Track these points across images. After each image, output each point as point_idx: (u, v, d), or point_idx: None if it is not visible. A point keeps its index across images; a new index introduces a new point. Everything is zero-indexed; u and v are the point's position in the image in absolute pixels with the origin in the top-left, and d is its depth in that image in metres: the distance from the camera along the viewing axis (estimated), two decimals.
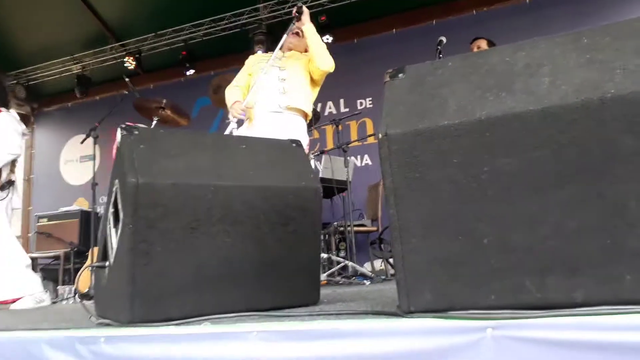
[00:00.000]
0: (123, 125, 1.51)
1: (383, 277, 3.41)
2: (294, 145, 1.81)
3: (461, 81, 1.12)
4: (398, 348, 0.98)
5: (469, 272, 0.98)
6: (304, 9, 2.97)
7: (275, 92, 2.88)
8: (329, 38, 5.48)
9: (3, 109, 3.54)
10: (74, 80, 6.54)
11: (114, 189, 1.54)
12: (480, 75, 1.09)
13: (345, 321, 1.10)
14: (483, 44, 3.75)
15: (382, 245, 3.93)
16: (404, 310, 1.05)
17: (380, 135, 1.06)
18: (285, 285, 1.61)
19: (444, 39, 3.45)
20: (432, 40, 3.53)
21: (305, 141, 2.85)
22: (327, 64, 2.92)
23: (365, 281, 3.19)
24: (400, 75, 1.17)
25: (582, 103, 0.97)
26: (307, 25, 2.93)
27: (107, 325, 1.42)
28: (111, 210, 1.56)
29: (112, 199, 1.55)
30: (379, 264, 4.36)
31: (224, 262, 1.52)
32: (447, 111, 1.05)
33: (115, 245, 1.49)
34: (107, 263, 1.58)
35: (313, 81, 3.03)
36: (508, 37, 4.29)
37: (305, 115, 2.98)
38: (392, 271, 4.24)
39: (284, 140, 1.85)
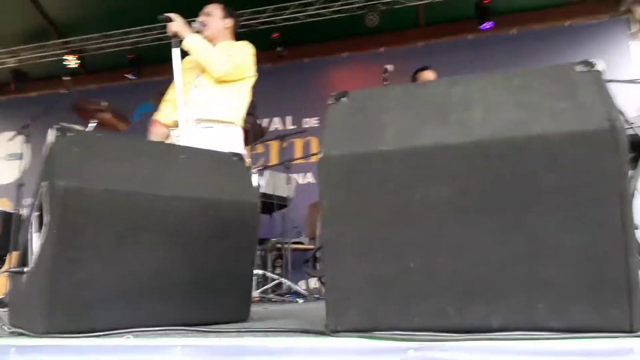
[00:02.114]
0: (57, 126, 1.45)
1: (317, 295, 3.42)
2: (234, 158, 1.80)
3: (400, 110, 1.16)
4: None
5: (395, 294, 1.01)
6: (171, 20, 2.57)
7: (190, 104, 2.61)
8: (281, 52, 5.54)
9: None
10: (9, 74, 6.19)
11: (40, 191, 1.46)
12: (418, 106, 1.14)
13: (272, 338, 1.09)
14: (431, 75, 3.90)
15: (316, 264, 3.95)
16: (331, 329, 1.06)
17: (320, 156, 1.08)
18: (215, 301, 1.58)
19: (390, 67, 3.57)
20: (379, 67, 3.64)
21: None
22: (218, 70, 2.55)
23: (298, 299, 3.19)
24: (343, 99, 1.20)
25: (510, 139, 1.03)
26: (186, 40, 2.54)
27: (21, 335, 1.33)
28: (35, 213, 1.48)
29: (37, 202, 1.47)
30: (313, 282, 4.37)
31: (154, 273, 1.47)
32: (385, 137, 1.09)
33: (36, 251, 1.41)
34: (25, 269, 1.48)
35: (227, 82, 2.65)
36: (451, 69, 4.52)
37: (229, 122, 2.65)
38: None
39: (225, 152, 1.84)
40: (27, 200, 4.87)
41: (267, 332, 1.22)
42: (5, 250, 4.67)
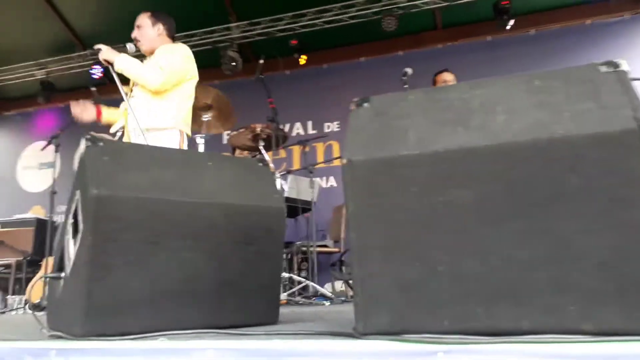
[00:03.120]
0: (88, 136, 1.50)
1: (343, 298, 3.44)
2: (260, 164, 1.84)
3: (421, 114, 1.18)
4: None
5: (423, 298, 1.02)
6: (100, 50, 2.67)
7: (130, 114, 2.67)
8: (302, 58, 5.59)
9: None
10: (38, 85, 6.38)
11: (74, 200, 1.52)
12: (439, 110, 1.16)
13: (301, 341, 1.11)
14: (450, 77, 3.89)
15: (342, 267, 3.96)
16: (360, 332, 1.08)
17: (343, 161, 1.11)
18: (244, 304, 1.61)
19: (409, 70, 3.57)
20: (398, 71, 3.65)
21: None
22: (152, 85, 2.62)
23: (325, 302, 3.21)
24: (365, 104, 1.23)
25: (532, 141, 1.04)
26: (115, 64, 2.64)
27: (60, 337, 1.39)
28: (70, 220, 1.54)
29: (72, 210, 1.53)
30: (339, 285, 4.38)
31: (184, 278, 1.52)
32: (407, 142, 1.10)
33: (72, 257, 1.47)
34: (62, 274, 1.54)
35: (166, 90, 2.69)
36: (470, 71, 4.50)
37: (167, 129, 2.68)
38: (351, 293, 4.28)
39: (251, 159, 1.87)
40: (60, 208, 5.03)
41: (296, 334, 1.24)
42: (41, 255, 4.83)
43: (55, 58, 6.33)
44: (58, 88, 6.45)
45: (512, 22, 5.18)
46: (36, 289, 4.57)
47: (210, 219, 1.58)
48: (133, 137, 2.69)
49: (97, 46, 2.69)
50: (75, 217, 1.49)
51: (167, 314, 1.47)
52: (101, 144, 1.51)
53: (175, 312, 1.49)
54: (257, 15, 5.75)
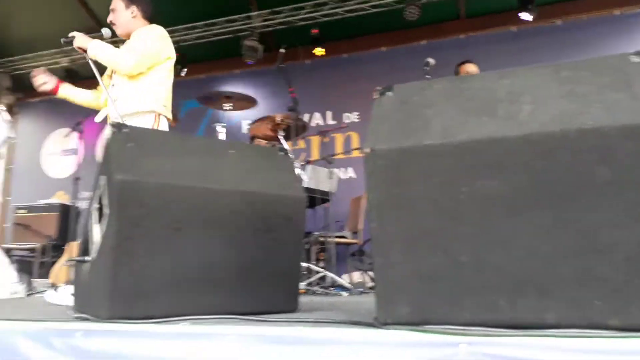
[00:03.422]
0: (113, 122, 1.52)
1: (361, 289, 3.44)
2: (281, 153, 1.84)
3: (445, 103, 1.17)
4: (373, 358, 1.01)
5: (445, 288, 1.02)
6: (74, 38, 2.62)
7: (111, 100, 2.63)
8: (321, 49, 5.56)
9: None
10: (62, 73, 6.47)
11: (100, 185, 1.55)
12: (464, 99, 1.14)
13: (322, 329, 1.12)
14: (473, 68, 3.83)
15: (362, 258, 3.96)
16: (381, 321, 1.08)
17: (366, 150, 1.10)
18: (264, 292, 1.63)
19: (432, 61, 3.52)
20: (420, 60, 3.60)
21: None
22: (123, 69, 2.57)
23: (343, 292, 3.22)
24: (388, 93, 1.22)
25: (561, 132, 1.02)
26: (88, 52, 2.59)
27: (85, 319, 1.42)
28: (96, 206, 1.56)
29: (98, 195, 1.56)
30: (357, 276, 4.39)
31: (205, 264, 1.54)
32: (431, 131, 1.09)
33: (98, 241, 1.50)
34: (88, 258, 1.58)
35: (141, 74, 2.63)
36: (493, 62, 4.43)
37: (144, 113, 2.63)
38: (370, 284, 4.28)
39: (272, 148, 1.88)
40: (83, 194, 5.12)
41: (316, 322, 1.25)
42: (65, 240, 4.94)
43: None
44: (82, 75, 6.53)
45: (529, 16, 5.07)
46: (60, 273, 4.68)
47: (230, 206, 1.59)
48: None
49: (71, 34, 2.64)
50: (100, 202, 1.52)
51: (189, 299, 1.49)
52: (126, 130, 1.53)
53: (196, 298, 1.51)
54: (278, 4, 5.73)
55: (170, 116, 2.77)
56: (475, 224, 1.01)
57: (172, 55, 2.78)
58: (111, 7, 2.80)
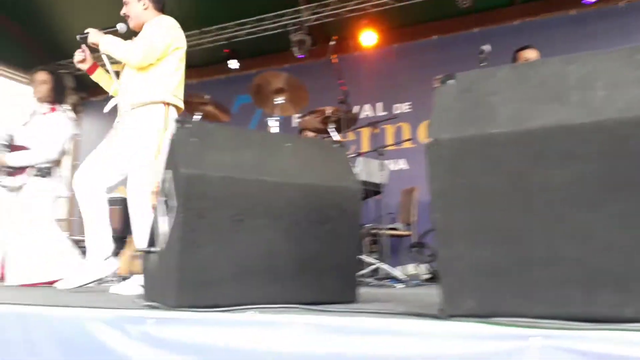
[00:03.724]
0: (178, 118, 1.58)
1: (416, 281, 3.42)
2: (335, 145, 1.85)
3: (511, 90, 1.13)
4: (439, 350, 1.00)
5: (514, 280, 0.99)
6: (89, 35, 2.72)
7: (123, 92, 2.75)
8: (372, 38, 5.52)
9: (58, 107, 3.69)
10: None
11: (165, 179, 1.61)
12: (531, 86, 1.11)
13: (387, 320, 1.12)
14: (533, 54, 3.68)
15: (422, 250, 3.92)
16: (447, 313, 1.07)
17: (429, 140, 1.09)
18: (323, 282, 1.65)
19: (487, 48, 3.41)
20: (473, 49, 3.49)
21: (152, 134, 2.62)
22: (133, 62, 2.63)
23: (397, 284, 3.21)
24: (450, 81, 1.20)
25: (637, 118, 0.97)
26: (100, 47, 2.67)
27: (155, 308, 1.48)
28: (162, 199, 1.63)
29: (163, 189, 1.62)
30: (411, 268, 4.36)
31: (266, 255, 1.57)
32: (497, 120, 1.07)
33: (164, 233, 1.56)
34: (155, 249, 1.65)
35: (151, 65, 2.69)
36: (551, 49, 4.23)
37: (153, 103, 2.68)
38: (425, 276, 4.24)
39: (327, 140, 1.89)
40: None
41: (379, 313, 1.25)
42: (127, 232, 5.15)
43: None
44: None
45: None
46: (124, 264, 4.91)
47: (288, 199, 1.62)
48: (124, 116, 2.76)
49: (86, 30, 2.72)
50: (165, 195, 1.58)
51: (251, 288, 1.53)
52: (189, 125, 1.58)
53: (258, 287, 1.54)
54: None
55: (181, 105, 2.82)
56: (546, 215, 0.98)
57: (182, 45, 2.82)
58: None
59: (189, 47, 6.95)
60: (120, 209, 5.59)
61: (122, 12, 2.82)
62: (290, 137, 1.85)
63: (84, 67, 2.95)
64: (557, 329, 0.89)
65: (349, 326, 1.12)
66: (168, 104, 2.71)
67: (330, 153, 1.81)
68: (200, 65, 6.64)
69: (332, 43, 3.88)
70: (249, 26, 6.10)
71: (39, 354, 1.48)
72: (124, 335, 1.35)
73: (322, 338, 1.12)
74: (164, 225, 1.58)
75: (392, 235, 4.31)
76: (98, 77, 3.04)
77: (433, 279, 4.20)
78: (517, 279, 1.00)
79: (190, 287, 1.44)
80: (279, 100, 3.90)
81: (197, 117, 4.00)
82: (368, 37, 5.69)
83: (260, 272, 1.55)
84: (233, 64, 6.16)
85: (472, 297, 1.03)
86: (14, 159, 3.65)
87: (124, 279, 3.96)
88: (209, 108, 4.12)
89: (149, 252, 1.69)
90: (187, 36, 6.98)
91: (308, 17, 5.85)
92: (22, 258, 3.47)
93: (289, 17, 5.93)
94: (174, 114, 2.74)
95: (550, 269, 0.97)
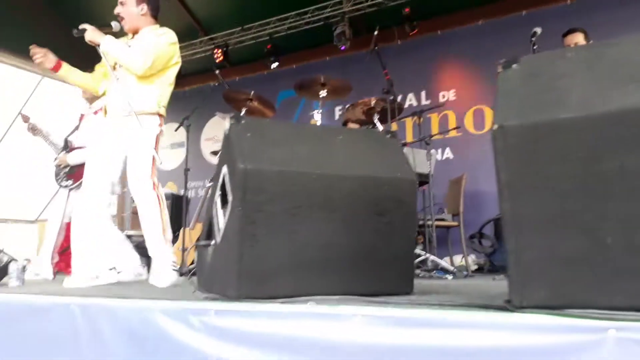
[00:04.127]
0: (232, 115, 1.60)
1: (465, 272, 3.35)
2: (388, 136, 1.83)
3: (581, 74, 1.08)
4: (509, 343, 0.97)
5: (589, 271, 0.95)
6: (86, 30, 2.68)
7: (116, 95, 2.74)
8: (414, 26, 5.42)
9: None
10: None
11: (221, 174, 1.64)
12: (605, 67, 1.05)
13: (451, 311, 1.10)
14: (580, 38, 3.52)
15: (482, 240, 3.84)
16: (516, 305, 1.04)
17: (494, 127, 1.05)
18: (379, 273, 1.63)
19: (538, 30, 3.28)
20: (521, 32, 3.37)
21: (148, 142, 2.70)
22: (135, 70, 2.66)
23: (446, 276, 3.16)
24: (514, 66, 1.15)
25: None
26: (101, 47, 2.67)
27: (215, 299, 1.51)
28: (218, 193, 1.66)
29: (220, 183, 1.65)
30: (458, 259, 4.28)
31: (322, 247, 1.57)
32: (569, 104, 1.02)
33: (222, 226, 1.59)
34: (212, 242, 1.68)
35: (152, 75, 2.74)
36: (605, 31, 4.02)
37: (149, 113, 2.75)
38: (473, 267, 4.15)
39: (380, 131, 1.87)
40: (192, 184, 5.47)
41: (442, 305, 1.23)
42: (177, 227, 5.31)
43: (181, 45, 6.78)
44: (183, 73, 6.92)
45: None
46: (176, 256, 5.05)
47: (343, 191, 1.61)
48: (113, 117, 2.77)
49: (82, 26, 2.69)
50: (223, 189, 1.61)
51: (309, 280, 1.54)
52: (243, 121, 1.60)
53: (316, 279, 1.55)
54: None
55: (165, 115, 2.87)
56: (625, 202, 0.93)
57: (179, 61, 2.89)
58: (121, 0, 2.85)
59: (232, 44, 7.08)
60: (169, 204, 5.77)
61: (116, 12, 2.83)
62: (344, 130, 1.84)
63: (48, 65, 2.93)
64: (637, 321, 0.84)
65: (412, 318, 1.10)
66: (161, 115, 2.81)
67: (384, 144, 1.79)
68: (243, 61, 6.72)
69: (375, 33, 3.83)
70: (290, 21, 6.11)
71: (105, 342, 1.54)
72: (187, 326, 1.38)
73: (384, 330, 1.11)
74: (221, 219, 1.60)
75: (439, 226, 4.24)
76: (65, 73, 3.02)
77: (481, 270, 4.11)
78: (592, 269, 0.95)
79: (249, 279, 1.46)
80: (323, 93, 3.90)
81: (242, 113, 4.05)
82: (410, 26, 5.58)
83: (317, 264, 1.55)
84: (273, 63, 6.20)
85: (543, 288, 1.00)
86: (75, 158, 3.88)
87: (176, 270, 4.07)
88: (254, 104, 4.16)
89: (206, 246, 1.73)
90: (229, 34, 7.10)
91: (350, 8, 5.80)
92: (85, 252, 3.61)
93: (330, 9, 5.89)
94: (163, 125, 2.84)
95: (628, 258, 0.92)
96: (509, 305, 1.05)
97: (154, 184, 2.72)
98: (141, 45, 2.71)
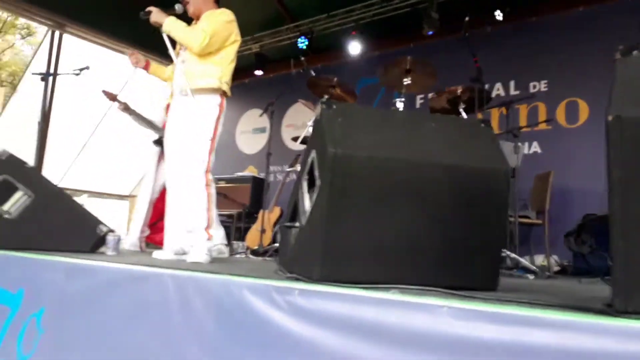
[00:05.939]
0: (323, 100, 1.61)
1: (548, 273, 3.18)
2: (482, 125, 1.76)
3: None
4: (610, 348, 0.92)
5: None
6: (151, 12, 2.83)
7: (179, 75, 2.90)
8: (499, 15, 5.15)
9: None
10: (252, 58, 7.07)
11: (309, 158, 1.66)
12: None
13: (547, 311, 1.05)
14: None
15: (579, 239, 3.63)
16: (619, 309, 0.97)
17: (609, 118, 0.98)
18: (464, 266, 1.59)
19: None
20: (625, 19, 3.08)
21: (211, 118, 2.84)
22: (194, 47, 2.80)
23: (527, 275, 3.01)
24: (634, 52, 1.06)
25: None
26: (164, 27, 2.82)
27: (298, 280, 1.55)
28: (305, 177, 1.68)
29: (307, 167, 1.67)
30: (541, 259, 4.07)
31: (407, 235, 1.55)
32: None
33: (307, 209, 1.61)
34: (297, 224, 1.71)
35: (210, 53, 2.87)
36: None
37: (212, 90, 2.87)
38: (555, 268, 3.93)
39: (474, 120, 1.81)
40: (271, 168, 5.61)
41: (532, 304, 1.17)
42: (257, 208, 5.51)
43: (267, 32, 6.94)
44: (270, 59, 7.08)
45: None
46: (252, 237, 5.24)
47: (432, 180, 1.58)
48: (178, 98, 2.93)
49: (148, 9, 2.85)
50: (310, 173, 1.63)
51: (391, 268, 1.53)
52: (334, 107, 1.61)
53: (397, 267, 1.54)
54: None
55: (230, 94, 2.98)
56: None
57: (239, 39, 3.00)
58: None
59: (317, 31, 7.10)
60: (250, 187, 5.98)
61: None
62: (435, 117, 1.80)
63: (141, 66, 3.26)
64: None
65: (501, 314, 1.06)
66: (224, 92, 2.92)
67: (477, 133, 1.73)
68: (325, 49, 6.75)
69: (466, 19, 3.69)
70: (376, 7, 6.03)
71: (194, 311, 1.62)
72: (271, 303, 1.43)
73: (469, 325, 1.08)
74: (307, 203, 1.63)
75: (522, 224, 4.04)
76: (154, 71, 3.34)
77: (564, 272, 3.87)
78: None
79: (333, 262, 1.47)
80: (407, 81, 3.84)
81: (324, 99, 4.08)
82: (503, 11, 5.31)
83: (400, 251, 1.54)
84: (355, 48, 6.15)
85: None
86: None
87: (253, 252, 4.22)
88: (336, 90, 4.18)
89: (290, 227, 1.77)
90: (315, 21, 7.13)
91: None
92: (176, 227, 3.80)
93: None
94: (225, 103, 2.95)
95: None
96: (610, 309, 0.98)
97: (207, 181, 2.83)
98: (200, 25, 2.88)
